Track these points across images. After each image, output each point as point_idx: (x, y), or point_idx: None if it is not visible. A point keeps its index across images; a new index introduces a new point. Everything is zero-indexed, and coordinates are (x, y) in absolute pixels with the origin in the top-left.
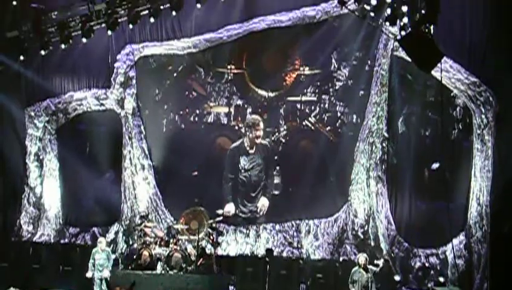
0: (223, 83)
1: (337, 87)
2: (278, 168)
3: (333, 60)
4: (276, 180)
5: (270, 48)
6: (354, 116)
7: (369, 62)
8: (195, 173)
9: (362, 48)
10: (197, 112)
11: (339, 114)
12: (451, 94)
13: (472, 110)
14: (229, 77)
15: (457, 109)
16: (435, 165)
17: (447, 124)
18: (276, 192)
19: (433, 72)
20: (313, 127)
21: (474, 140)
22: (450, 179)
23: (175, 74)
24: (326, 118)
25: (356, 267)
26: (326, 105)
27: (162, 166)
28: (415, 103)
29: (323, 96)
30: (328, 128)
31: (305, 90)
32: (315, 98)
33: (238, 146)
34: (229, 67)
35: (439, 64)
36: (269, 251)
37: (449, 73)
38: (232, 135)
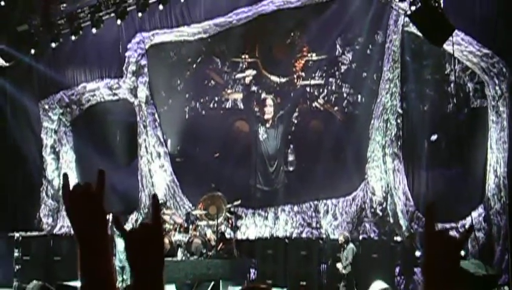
0: (238, 71)
1: (342, 71)
2: (291, 146)
3: (338, 46)
4: (291, 157)
5: (278, 33)
6: (359, 96)
7: (370, 46)
8: (217, 154)
9: (366, 32)
10: (216, 99)
11: (345, 95)
12: (445, 72)
13: (486, 82)
14: (244, 66)
15: (451, 85)
16: (434, 137)
17: (442, 100)
18: (291, 168)
19: (445, 46)
20: (322, 108)
21: (489, 112)
22: (465, 151)
23: (194, 65)
24: (333, 99)
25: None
26: (333, 87)
27: (181, 153)
28: (412, 81)
29: (330, 79)
30: (336, 108)
31: (313, 74)
32: (322, 82)
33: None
34: (243, 57)
35: (450, 38)
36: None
37: (461, 46)
38: (248, 118)
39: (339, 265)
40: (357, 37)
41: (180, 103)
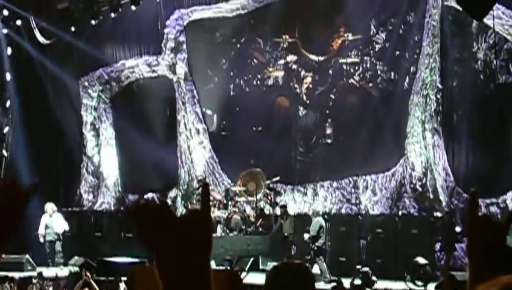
0: (279, 50)
1: (376, 50)
2: (329, 120)
3: (372, 26)
4: (328, 130)
5: (317, 13)
6: (392, 73)
7: (402, 26)
8: (260, 128)
9: (399, 12)
10: (259, 76)
11: (379, 72)
12: (473, 50)
13: None
14: (284, 45)
15: (479, 62)
16: None
17: (470, 76)
18: (329, 141)
19: (485, 20)
20: (357, 85)
21: None
22: (504, 126)
23: (238, 46)
24: (368, 76)
25: None
26: (368, 65)
27: (227, 128)
28: (443, 58)
29: (365, 58)
30: (371, 84)
31: (349, 53)
32: (358, 60)
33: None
34: (283, 37)
35: (491, 12)
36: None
37: (502, 20)
38: (289, 94)
39: (305, 235)
40: (390, 17)
41: (225, 81)
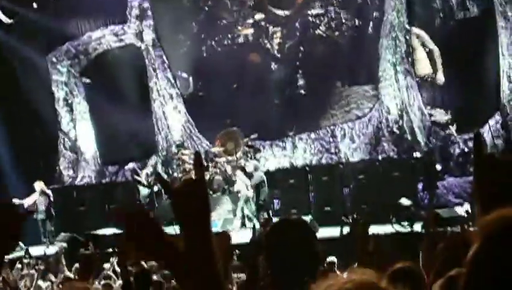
0: (246, 9)
1: None
2: (300, 71)
3: None
4: (301, 81)
5: None
6: (356, 20)
7: None
8: (235, 85)
9: None
10: (229, 36)
11: (343, 20)
12: None
13: None
14: (251, 4)
15: (437, 1)
16: None
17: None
18: (302, 92)
19: None
20: (324, 34)
21: (498, 18)
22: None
23: (206, 8)
24: (333, 25)
25: None
26: (332, 14)
27: (203, 89)
28: None
29: (329, 8)
30: (337, 33)
31: (313, 5)
32: (323, 11)
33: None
34: None
35: None
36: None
37: None
38: (260, 50)
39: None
40: None
41: (197, 43)
